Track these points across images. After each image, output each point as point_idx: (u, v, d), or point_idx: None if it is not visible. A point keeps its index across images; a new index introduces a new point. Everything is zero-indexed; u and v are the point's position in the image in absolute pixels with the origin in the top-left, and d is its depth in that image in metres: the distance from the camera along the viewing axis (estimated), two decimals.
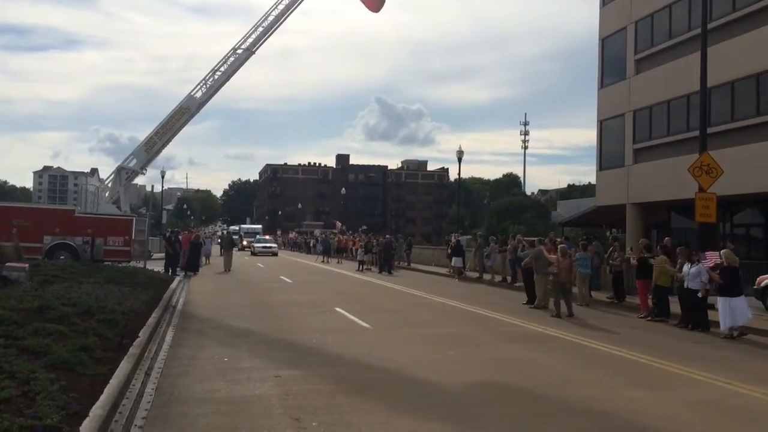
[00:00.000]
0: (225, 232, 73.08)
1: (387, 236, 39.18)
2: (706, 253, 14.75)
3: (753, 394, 8.29)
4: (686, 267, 14.35)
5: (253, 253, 52.35)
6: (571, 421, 6.95)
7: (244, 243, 64.85)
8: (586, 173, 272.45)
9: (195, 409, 7.13)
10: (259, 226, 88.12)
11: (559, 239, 24.05)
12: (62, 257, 25.37)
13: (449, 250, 30.12)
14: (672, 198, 24.34)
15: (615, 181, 28.41)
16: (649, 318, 15.57)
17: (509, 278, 24.47)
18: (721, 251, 13.88)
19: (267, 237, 65.78)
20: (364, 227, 69.92)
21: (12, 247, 19.80)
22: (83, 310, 11.07)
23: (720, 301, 13.14)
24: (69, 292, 12.96)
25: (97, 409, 6.07)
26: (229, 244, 34.17)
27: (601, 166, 30.04)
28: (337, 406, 7.33)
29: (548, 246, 18.41)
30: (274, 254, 52.59)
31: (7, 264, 15.66)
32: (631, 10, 28.06)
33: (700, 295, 13.88)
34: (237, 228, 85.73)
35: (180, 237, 29.98)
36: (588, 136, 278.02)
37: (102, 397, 6.51)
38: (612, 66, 29.45)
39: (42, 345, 8.06)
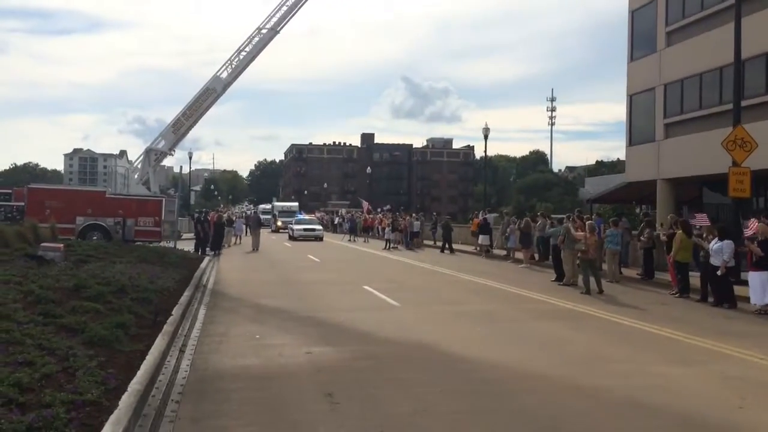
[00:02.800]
0: (252, 212, 69.45)
1: (447, 217, 40.04)
2: (749, 221, 14.43)
3: None
4: (711, 242, 14.15)
5: (292, 237, 42.68)
6: (604, 397, 6.93)
7: (279, 224, 56.76)
8: (614, 149, 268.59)
9: (229, 385, 7.25)
10: (296, 203, 72.49)
11: (585, 215, 23.86)
12: (95, 237, 25.78)
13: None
14: (704, 173, 23.89)
15: (645, 157, 27.95)
16: (678, 294, 15.42)
17: (537, 255, 24.32)
18: (758, 224, 13.62)
19: (308, 216, 53.42)
20: (387, 207, 69.78)
21: (47, 228, 20.20)
22: (117, 288, 11.28)
23: (756, 276, 12.92)
24: (103, 272, 13.21)
25: (135, 384, 6.21)
26: (256, 224, 34.45)
27: (631, 142, 29.56)
28: (369, 382, 7.40)
29: (577, 223, 18.25)
30: (319, 239, 41.75)
31: (42, 244, 15.98)
32: None
33: (719, 272, 13.68)
34: (269, 206, 74.34)
35: (208, 217, 30.31)
36: (616, 111, 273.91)
37: (139, 373, 6.65)
38: (642, 39, 28.83)
39: (79, 322, 8.25)
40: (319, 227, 44.84)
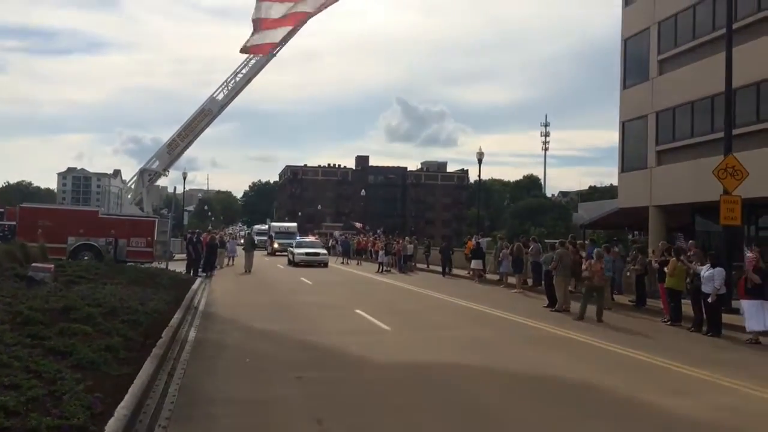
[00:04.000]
0: (247, 233, 68.16)
1: (444, 242, 39.76)
2: (751, 251, 14.31)
3: None
4: (702, 269, 14.17)
5: (292, 262, 37.31)
6: (595, 426, 6.90)
7: (276, 246, 51.28)
8: (607, 175, 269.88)
9: (218, 410, 7.18)
10: (294, 224, 64.29)
11: (579, 241, 23.90)
12: (86, 258, 25.65)
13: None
14: (696, 200, 24.05)
15: (637, 183, 28.13)
16: (669, 322, 15.41)
17: (530, 281, 24.31)
18: (752, 255, 13.60)
19: (310, 239, 46.79)
20: (381, 229, 69.45)
21: (37, 248, 20.09)
22: (107, 310, 11.20)
23: (749, 304, 12.93)
24: (93, 293, 13.11)
25: (122, 410, 6.13)
26: (250, 245, 34.35)
27: (623, 168, 29.75)
28: (359, 408, 7.34)
29: (570, 249, 18.28)
30: (323, 265, 36.87)
31: (33, 264, 15.88)
32: (654, 10, 27.78)
33: (710, 300, 13.70)
34: (265, 227, 69.50)
35: (201, 238, 30.24)
36: (609, 137, 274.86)
37: (126, 397, 6.57)
38: (635, 67, 29.17)
39: (68, 345, 8.17)
40: (323, 251, 39.41)
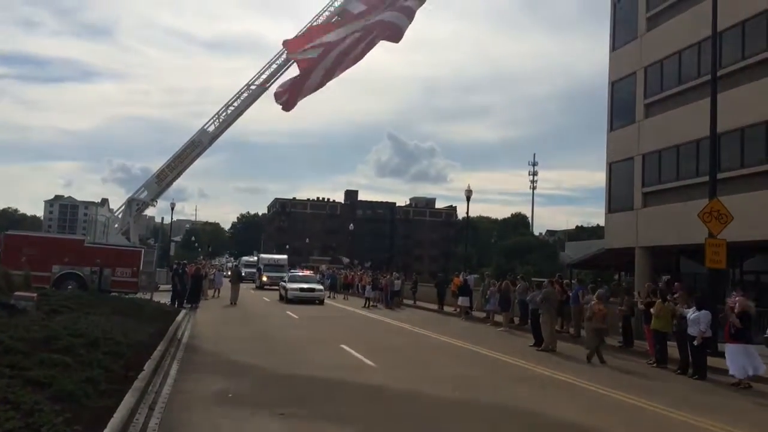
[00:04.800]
0: (234, 265, 67.24)
1: (440, 275, 39.54)
2: (736, 298, 14.34)
3: None
4: (688, 312, 14.23)
5: (285, 299, 34.11)
6: None
7: (265, 279, 49.04)
8: (594, 215, 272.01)
9: None
10: (284, 256, 60.12)
11: (565, 280, 23.97)
12: (70, 287, 25.38)
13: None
14: (681, 242, 24.27)
15: (624, 224, 28.37)
16: (655, 364, 15.40)
17: (516, 319, 24.27)
18: (736, 299, 13.67)
19: (305, 273, 42.77)
20: (368, 263, 69.03)
21: (21, 276, 19.87)
22: (89, 341, 11.03)
23: (734, 348, 12.95)
24: (75, 323, 12.93)
25: None
26: (236, 277, 34.15)
27: (610, 209, 30.05)
28: None
29: (557, 288, 18.33)
30: (320, 302, 33.97)
31: (15, 293, 15.68)
32: (641, 55, 28.38)
33: (696, 343, 13.73)
34: (254, 259, 67.18)
35: (186, 269, 30.03)
36: (597, 178, 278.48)
37: (106, 431, 6.46)
38: (622, 109, 29.68)
39: (47, 376, 8.03)
40: (320, 287, 36.30)
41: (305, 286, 34.55)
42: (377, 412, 9.15)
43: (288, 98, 20.26)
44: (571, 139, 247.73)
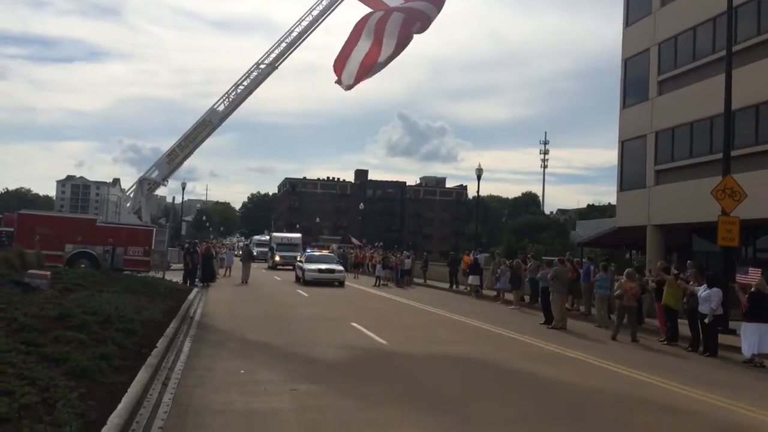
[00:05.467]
0: (245, 244, 65.57)
1: (452, 253, 39.64)
2: (750, 269, 14.20)
3: None
4: (699, 290, 14.17)
5: (302, 280, 31.55)
6: None
7: (278, 259, 47.36)
8: (606, 194, 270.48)
9: (211, 421, 7.15)
10: (298, 235, 56.79)
11: (576, 259, 23.91)
12: (83, 265, 25.62)
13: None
14: (694, 221, 24.10)
15: (636, 203, 28.19)
16: (666, 342, 15.39)
17: (527, 297, 24.29)
18: (756, 276, 13.52)
19: (323, 252, 41.14)
20: (380, 243, 68.96)
21: (34, 254, 20.06)
22: (103, 318, 11.16)
23: (747, 327, 12.89)
24: (89, 301, 13.08)
25: (115, 418, 6.11)
26: (247, 256, 34.34)
27: (622, 187, 29.85)
28: (353, 422, 7.31)
29: (567, 266, 18.29)
30: (340, 284, 31.43)
31: (29, 271, 15.84)
32: (655, 31, 27.99)
33: (707, 321, 13.69)
34: (266, 237, 65.34)
35: (198, 249, 30.21)
36: (608, 156, 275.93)
37: (120, 406, 6.54)
38: (634, 87, 29.35)
39: (62, 352, 8.14)
40: (340, 268, 33.10)
41: (324, 266, 31.84)
42: (387, 389, 9.20)
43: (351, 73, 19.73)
44: (582, 118, 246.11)
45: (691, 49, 25.91)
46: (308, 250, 41.25)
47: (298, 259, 36.61)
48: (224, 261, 38.13)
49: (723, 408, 8.83)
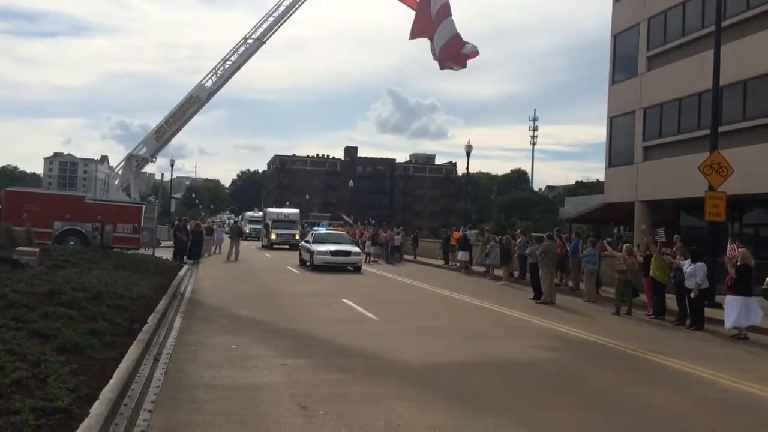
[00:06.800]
0: (233, 221, 66.10)
1: (445, 230, 39.77)
2: (734, 245, 14.40)
3: (762, 394, 8.28)
4: (684, 264, 14.32)
5: (309, 264, 26.73)
6: (577, 416, 6.98)
7: (273, 237, 42.93)
8: (594, 170, 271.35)
9: (203, 395, 7.19)
10: (296, 210, 52.32)
11: (565, 234, 24.07)
12: (72, 243, 25.48)
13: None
14: (681, 196, 24.27)
15: (624, 179, 28.33)
16: (653, 316, 15.57)
17: (516, 273, 24.45)
18: (738, 250, 13.73)
19: (330, 230, 36.60)
20: (372, 220, 68.94)
21: (23, 231, 19.93)
22: (93, 295, 11.14)
23: (731, 300, 13.05)
24: (79, 278, 13.04)
25: (107, 393, 6.14)
26: (236, 234, 34.33)
27: (611, 163, 29.96)
28: (344, 395, 7.38)
29: (557, 242, 18.40)
30: (356, 269, 26.85)
31: (18, 248, 15.77)
32: (644, 6, 27.90)
33: (692, 295, 13.86)
34: (259, 214, 61.27)
35: (188, 226, 30.12)
36: (597, 132, 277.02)
37: (112, 381, 6.57)
38: (623, 62, 29.32)
39: (52, 328, 8.12)
40: (356, 249, 28.21)
41: (336, 247, 26.84)
42: (377, 364, 9.29)
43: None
44: (571, 94, 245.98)
45: (680, 25, 25.87)
46: (317, 228, 36.69)
47: (305, 239, 31.41)
48: (213, 238, 38.02)
49: (709, 380, 8.98)
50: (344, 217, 50.26)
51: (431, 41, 20.17)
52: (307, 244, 28.21)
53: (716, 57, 17.05)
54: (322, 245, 27.06)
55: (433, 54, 20.15)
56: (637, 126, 27.82)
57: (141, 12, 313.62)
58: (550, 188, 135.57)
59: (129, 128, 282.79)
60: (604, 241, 18.26)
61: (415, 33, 20.68)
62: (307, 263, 27.16)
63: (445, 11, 20.00)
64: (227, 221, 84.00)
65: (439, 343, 11.07)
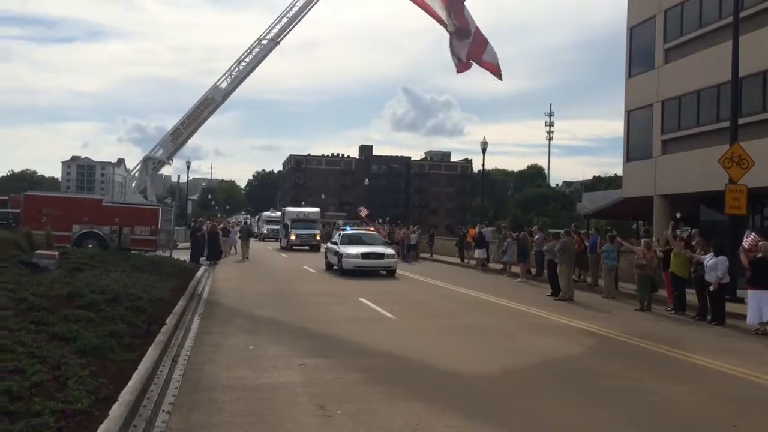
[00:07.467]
0: (243, 222, 65.72)
1: (461, 227, 39.51)
2: (752, 236, 14.11)
3: None
4: (705, 258, 14.12)
5: (339, 269, 23.98)
6: (596, 413, 6.90)
7: (293, 237, 41.02)
8: (611, 165, 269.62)
9: (221, 396, 7.20)
10: (316, 209, 50.41)
11: (582, 231, 23.88)
12: (90, 246, 25.71)
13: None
14: (701, 190, 23.95)
15: (642, 173, 28.02)
16: (673, 311, 15.39)
17: (533, 270, 24.30)
18: (760, 243, 13.48)
19: (370, 230, 33.72)
20: (387, 219, 68.80)
21: (42, 235, 20.14)
22: (111, 297, 11.22)
23: (752, 294, 12.86)
24: (97, 280, 13.15)
25: (126, 394, 6.16)
26: (246, 234, 34.64)
27: (628, 158, 29.65)
28: (362, 395, 7.36)
29: (575, 238, 18.27)
30: (390, 272, 24.03)
31: (37, 252, 15.92)
32: None
33: (712, 288, 13.66)
34: (277, 214, 60.03)
35: (204, 227, 30.30)
36: (614, 127, 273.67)
37: (130, 383, 6.60)
38: (640, 55, 28.99)
39: (72, 331, 8.19)
40: (390, 251, 25.37)
41: (368, 249, 24.28)
42: (395, 363, 9.26)
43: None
44: (587, 89, 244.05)
45: (697, 16, 25.52)
46: (346, 228, 33.79)
47: (331, 240, 28.54)
48: (229, 239, 38.22)
49: (730, 375, 8.85)
50: (361, 215, 48.27)
51: (452, 37, 20.52)
52: (335, 246, 25.42)
53: (735, 48, 16.81)
54: (352, 247, 24.46)
55: (458, 52, 20.44)
56: (655, 119, 27.50)
57: (153, 15, 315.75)
58: (567, 184, 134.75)
59: (145, 131, 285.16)
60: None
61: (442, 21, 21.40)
62: (335, 267, 24.70)
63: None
64: (242, 222, 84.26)
65: (457, 341, 11.02)
